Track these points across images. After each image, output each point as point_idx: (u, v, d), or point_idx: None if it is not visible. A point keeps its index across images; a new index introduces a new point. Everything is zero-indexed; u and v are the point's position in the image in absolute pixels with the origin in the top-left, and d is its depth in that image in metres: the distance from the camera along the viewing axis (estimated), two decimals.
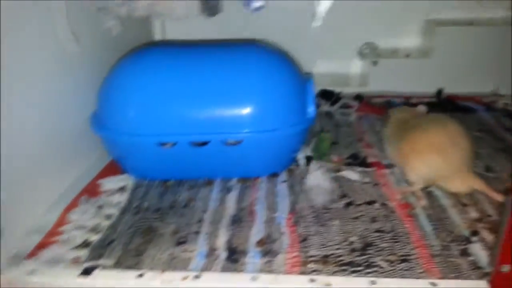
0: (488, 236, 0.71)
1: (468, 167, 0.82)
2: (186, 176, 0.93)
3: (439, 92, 1.34)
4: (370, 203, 0.82)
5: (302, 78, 0.94)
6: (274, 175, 0.94)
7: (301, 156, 0.98)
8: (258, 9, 0.61)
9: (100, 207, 0.85)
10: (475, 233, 0.72)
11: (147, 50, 0.92)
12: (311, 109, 0.93)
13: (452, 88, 1.32)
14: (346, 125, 1.19)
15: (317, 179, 0.89)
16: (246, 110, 0.85)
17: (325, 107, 1.30)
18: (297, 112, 0.90)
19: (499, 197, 0.79)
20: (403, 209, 0.80)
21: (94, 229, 0.78)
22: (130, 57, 0.91)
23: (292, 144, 0.94)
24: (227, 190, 0.89)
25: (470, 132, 0.88)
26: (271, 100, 0.87)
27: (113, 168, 0.97)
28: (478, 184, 0.82)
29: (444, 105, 1.27)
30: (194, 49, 0.93)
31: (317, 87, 1.34)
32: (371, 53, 1.34)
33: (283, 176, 0.94)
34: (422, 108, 0.99)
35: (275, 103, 0.87)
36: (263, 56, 0.90)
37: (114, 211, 0.83)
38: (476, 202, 0.81)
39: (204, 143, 0.86)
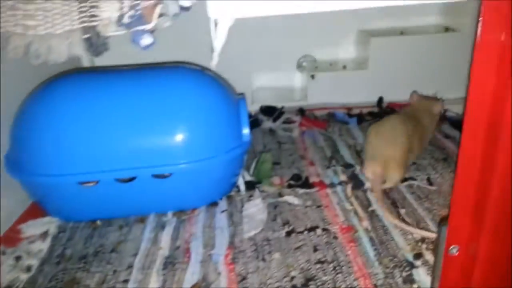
0: (432, 259, 0.69)
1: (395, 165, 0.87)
2: (116, 215, 0.85)
3: (380, 101, 1.33)
4: (312, 229, 0.78)
5: (234, 99, 0.89)
6: (213, 204, 0.88)
7: (241, 181, 0.93)
8: (147, 47, 0.56)
9: (18, 258, 0.76)
10: (418, 256, 0.70)
11: (62, 79, 0.84)
12: (245, 131, 0.88)
13: (392, 96, 1.32)
14: (289, 142, 1.15)
15: (257, 207, 0.85)
16: (174, 140, 0.79)
17: (268, 123, 1.26)
18: (231, 137, 0.85)
19: (390, 218, 0.79)
20: (346, 233, 0.77)
21: (11, 286, 0.69)
22: (43, 88, 0.82)
23: (230, 170, 0.88)
24: (161, 226, 0.82)
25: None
26: (202, 127, 0.81)
27: (35, 211, 0.88)
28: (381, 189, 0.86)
29: (385, 114, 1.27)
30: (115, 75, 0.85)
31: (258, 104, 1.31)
32: (309, 65, 1.32)
33: (223, 204, 0.88)
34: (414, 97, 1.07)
35: (206, 130, 0.81)
36: (189, 80, 0.84)
37: (34, 262, 0.75)
38: (418, 221, 0.78)
39: (131, 179, 0.79)
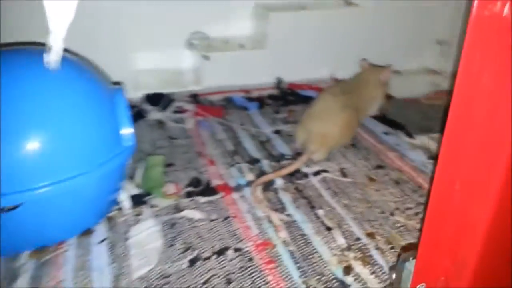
0: (362, 271, 0.59)
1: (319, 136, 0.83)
2: None
3: (279, 82, 1.22)
4: (221, 252, 0.63)
5: (107, 91, 0.68)
6: (86, 232, 0.67)
7: (125, 196, 0.73)
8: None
9: None
10: (348, 270, 0.59)
11: None
12: (127, 132, 0.68)
13: (291, 76, 1.22)
14: (183, 136, 0.97)
15: (149, 230, 0.66)
16: (21, 156, 0.56)
17: (155, 114, 1.06)
18: (105, 143, 0.65)
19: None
20: (262, 250, 0.63)
21: None
22: None
23: (106, 187, 0.68)
24: (11, 277, 0.59)
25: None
26: (60, 135, 0.59)
27: None
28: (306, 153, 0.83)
29: (286, 96, 1.16)
30: None
31: (143, 91, 1.10)
32: (201, 44, 1.14)
33: (101, 231, 0.67)
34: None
35: (67, 139, 0.60)
36: (39, 68, 0.60)
37: None
38: (340, 223, 0.68)
39: None
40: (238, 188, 0.78)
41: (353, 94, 0.90)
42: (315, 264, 0.60)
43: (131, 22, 1.09)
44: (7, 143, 0.56)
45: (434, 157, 0.84)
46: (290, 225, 0.68)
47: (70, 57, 0.67)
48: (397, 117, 1.03)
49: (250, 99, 1.14)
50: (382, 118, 1.03)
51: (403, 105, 1.10)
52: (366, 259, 0.61)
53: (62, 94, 0.61)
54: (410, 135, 0.94)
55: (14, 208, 0.57)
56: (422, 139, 0.91)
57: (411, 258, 0.38)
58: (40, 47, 0.60)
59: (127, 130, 0.68)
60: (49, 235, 0.64)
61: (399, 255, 0.58)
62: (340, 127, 0.84)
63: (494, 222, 0.31)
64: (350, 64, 1.27)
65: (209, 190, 0.77)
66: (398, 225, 0.67)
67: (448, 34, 1.28)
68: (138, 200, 0.73)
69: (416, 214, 0.69)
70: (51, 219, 0.62)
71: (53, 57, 0.32)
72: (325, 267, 0.60)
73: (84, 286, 0.57)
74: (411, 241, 0.63)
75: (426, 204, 0.33)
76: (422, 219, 0.36)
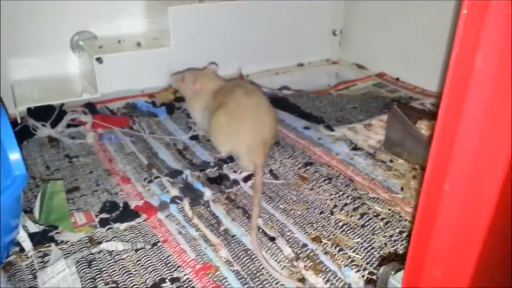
0: (316, 280, 0.55)
1: (262, 142, 0.75)
2: None
3: None
4: (156, 286, 0.54)
5: None
6: None
7: (23, 235, 0.59)
8: None
9: None
10: (302, 282, 0.54)
11: None
12: (14, 158, 0.55)
13: None
14: (84, 153, 0.83)
15: (61, 274, 0.54)
16: None
17: (45, 130, 0.89)
18: None
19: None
20: (204, 275, 0.55)
21: None
22: None
23: (1, 227, 0.53)
24: None
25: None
26: None
27: None
28: (259, 166, 0.73)
29: None
30: None
31: (23, 105, 0.92)
32: (88, 44, 1.00)
33: None
34: (213, 67, 0.93)
35: None
36: None
37: None
38: (282, 231, 0.63)
39: None
40: (162, 206, 0.68)
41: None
42: (265, 282, 0.55)
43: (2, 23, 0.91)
44: None
45: (357, 149, 0.85)
46: (230, 241, 0.61)
47: None
48: (312, 110, 1.03)
49: (156, 105, 1.03)
50: (299, 112, 1.01)
51: (315, 98, 1.10)
52: (318, 267, 0.57)
53: None
54: (329, 127, 0.93)
55: None
56: (342, 131, 0.91)
57: (393, 272, 0.35)
58: None
59: (14, 156, 0.55)
60: None
61: (379, 266, 0.55)
62: (275, 123, 0.80)
63: (492, 227, 0.28)
64: (256, 61, 1.25)
65: (128, 214, 0.66)
66: (341, 223, 0.64)
67: (342, 25, 1.32)
68: (41, 238, 0.60)
69: (355, 209, 0.67)
70: None
71: None
72: (276, 283, 0.54)
73: None
74: (386, 251, 0.61)
75: (415, 209, 0.29)
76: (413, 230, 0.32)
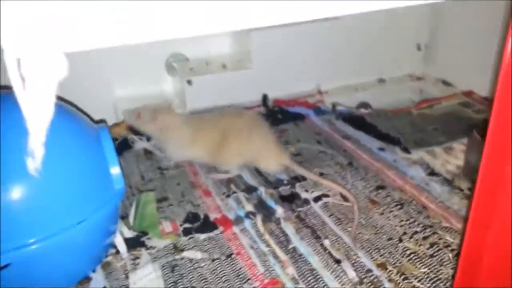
0: None
1: (274, 147, 0.85)
2: None
3: (265, 99, 1.19)
4: None
5: (92, 132, 0.64)
6: (83, 281, 0.63)
7: (119, 240, 0.69)
8: None
9: None
10: None
11: None
12: (115, 171, 0.64)
13: (276, 92, 1.20)
14: (173, 166, 0.93)
15: (148, 276, 0.62)
16: (10, 212, 0.52)
17: (141, 143, 1.01)
18: (97, 188, 0.61)
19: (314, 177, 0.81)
20: None
21: None
22: None
23: (101, 233, 0.64)
24: None
25: (310, 146, 0.95)
26: (50, 186, 0.55)
27: None
28: (287, 161, 0.85)
29: (274, 114, 1.13)
30: None
31: (125, 122, 1.05)
32: (181, 66, 1.10)
33: (98, 279, 0.63)
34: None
35: (57, 189, 0.55)
36: (9, 112, 0.56)
37: None
38: (348, 254, 0.66)
39: None
40: (238, 220, 0.74)
41: None
42: None
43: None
44: None
45: (434, 174, 0.83)
46: (297, 259, 0.65)
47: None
48: (390, 131, 1.02)
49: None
50: (375, 132, 1.02)
51: (393, 117, 1.09)
52: None
53: (48, 141, 0.56)
54: (406, 150, 0.92)
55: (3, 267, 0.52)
56: (419, 154, 0.90)
57: None
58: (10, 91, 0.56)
59: (115, 169, 0.64)
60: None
61: None
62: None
63: None
64: (335, 76, 1.27)
65: (207, 225, 0.73)
66: (408, 252, 0.65)
67: (427, 38, 1.28)
68: (134, 242, 0.69)
69: (425, 238, 0.67)
70: (43, 274, 0.57)
71: (35, 164, 0.28)
72: None
73: None
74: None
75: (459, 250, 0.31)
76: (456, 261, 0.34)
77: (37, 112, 0.25)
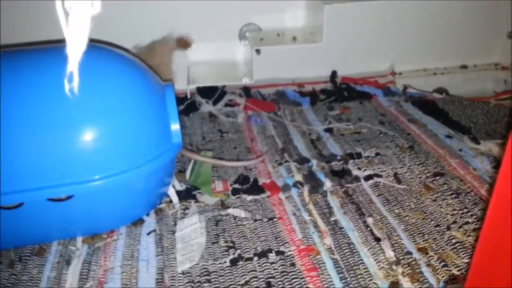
0: (410, 287, 0.56)
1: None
2: (5, 245, 0.64)
3: (333, 75, 1.17)
4: (263, 254, 0.62)
5: (157, 87, 0.69)
6: (137, 222, 0.69)
7: (172, 191, 0.74)
8: None
9: None
10: (395, 285, 0.56)
11: None
12: (175, 128, 0.69)
13: (346, 70, 1.17)
14: (233, 130, 0.97)
15: (194, 226, 0.67)
16: (73, 149, 0.58)
17: (207, 106, 1.06)
18: (155, 139, 0.66)
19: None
20: (305, 256, 0.62)
21: None
22: None
23: (156, 182, 0.69)
24: (66, 260, 0.62)
25: (372, 126, 0.90)
26: (113, 129, 0.61)
27: None
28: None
29: (340, 92, 1.12)
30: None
31: (196, 84, 1.10)
32: (253, 36, 1.12)
33: (150, 222, 0.69)
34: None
35: (119, 133, 0.61)
36: (91, 63, 0.62)
37: None
38: (390, 234, 0.65)
39: (18, 205, 0.58)
40: (285, 188, 0.76)
41: None
42: (359, 276, 0.58)
43: (184, 13, 1.09)
44: (63, 136, 0.58)
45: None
46: (336, 232, 0.66)
47: (122, 54, 0.68)
48: (462, 119, 0.96)
49: (303, 94, 1.11)
50: (445, 118, 0.96)
51: (468, 105, 1.02)
52: (416, 276, 0.57)
53: (116, 90, 0.62)
54: (475, 140, 0.87)
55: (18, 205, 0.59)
56: (488, 145, 0.84)
57: None
58: (92, 44, 0.62)
59: (175, 126, 0.69)
60: (101, 224, 0.67)
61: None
62: None
63: None
64: (412, 58, 1.21)
65: (256, 189, 0.76)
66: (454, 241, 0.62)
67: None
68: (186, 194, 0.74)
69: (475, 230, 0.64)
70: (102, 209, 0.64)
71: (71, 86, 0.31)
72: (370, 280, 0.57)
73: (130, 276, 0.59)
74: (454, 272, 0.59)
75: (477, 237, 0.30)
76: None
77: (74, 40, 0.28)
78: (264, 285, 0.57)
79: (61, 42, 0.73)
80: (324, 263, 0.60)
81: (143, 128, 0.64)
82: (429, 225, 0.66)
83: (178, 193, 0.74)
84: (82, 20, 0.28)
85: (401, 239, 0.64)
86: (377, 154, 0.84)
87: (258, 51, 1.07)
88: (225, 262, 0.61)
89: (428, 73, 1.21)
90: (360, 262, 0.60)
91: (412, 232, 0.65)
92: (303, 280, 0.58)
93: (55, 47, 0.68)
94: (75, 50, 0.29)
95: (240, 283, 0.57)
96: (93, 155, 0.60)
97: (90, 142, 0.59)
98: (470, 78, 1.21)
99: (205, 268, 0.60)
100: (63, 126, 0.58)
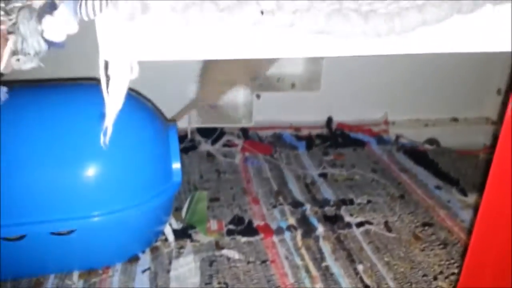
0: None
1: None
2: (3, 276, 0.65)
3: (329, 121, 1.22)
4: None
5: (162, 127, 0.72)
6: (133, 259, 0.71)
7: (169, 229, 0.76)
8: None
9: None
10: None
11: None
12: (176, 166, 0.71)
13: (342, 116, 1.22)
14: (230, 170, 1.00)
15: (189, 266, 0.69)
16: (77, 185, 0.61)
17: (206, 146, 1.09)
18: (157, 178, 0.68)
19: None
20: None
21: None
22: None
23: (154, 219, 0.71)
24: None
25: (364, 173, 0.94)
26: (117, 167, 0.63)
27: None
28: None
29: (335, 137, 1.16)
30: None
31: (196, 124, 1.14)
32: (254, 80, 1.17)
33: (145, 260, 0.71)
34: None
35: (123, 171, 0.64)
36: (99, 102, 0.65)
37: None
38: (379, 282, 0.67)
39: (20, 237, 0.60)
40: (278, 231, 0.78)
41: None
42: None
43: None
44: (66, 172, 0.60)
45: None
46: (327, 278, 0.67)
47: (129, 93, 0.72)
48: (451, 171, 1.00)
49: (299, 138, 1.15)
50: (435, 169, 1.00)
51: (459, 158, 1.06)
52: None
53: (121, 128, 0.65)
54: (463, 192, 0.90)
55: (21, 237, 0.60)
56: (476, 198, 0.87)
57: None
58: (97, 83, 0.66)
59: (176, 165, 0.72)
60: (98, 259, 0.68)
61: None
62: None
63: None
64: (405, 109, 1.26)
65: (250, 230, 0.78)
66: None
67: (509, 84, 1.23)
68: (182, 233, 0.76)
69: None
70: (100, 245, 0.66)
71: (105, 139, 0.35)
72: None
73: None
74: None
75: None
76: None
77: (113, 101, 0.32)
78: None
79: (69, 80, 0.77)
80: None
81: (144, 167, 0.66)
82: (417, 275, 0.68)
83: (174, 231, 0.76)
84: (121, 84, 0.31)
85: None
86: (369, 201, 0.87)
87: (258, 96, 1.12)
88: None
89: (420, 124, 1.26)
90: None
91: (401, 281, 0.67)
92: None
93: (62, 85, 0.72)
94: (112, 109, 0.33)
95: None
96: (95, 191, 0.62)
97: (92, 179, 0.61)
98: (460, 131, 1.25)
99: None
100: (68, 162, 0.61)
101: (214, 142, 1.10)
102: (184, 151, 1.07)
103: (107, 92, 0.32)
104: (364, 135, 1.17)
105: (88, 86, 0.72)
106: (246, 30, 0.31)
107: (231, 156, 1.06)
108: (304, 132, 1.18)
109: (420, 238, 0.76)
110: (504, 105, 1.25)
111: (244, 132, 1.15)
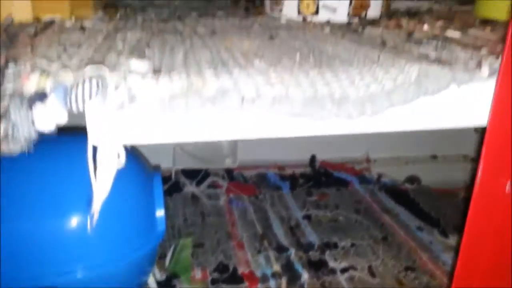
0: None
1: None
2: None
3: (312, 160, 1.24)
4: None
5: (146, 177, 0.72)
6: None
7: (152, 280, 0.75)
8: None
9: None
10: None
11: None
12: (160, 214, 0.71)
13: (325, 153, 1.24)
14: (214, 213, 0.99)
15: None
16: (61, 240, 0.60)
17: (190, 187, 1.09)
18: (141, 229, 0.68)
19: None
20: None
21: None
22: None
23: (139, 270, 0.70)
24: None
25: (348, 214, 0.92)
26: (100, 222, 0.63)
27: None
28: None
29: (319, 176, 1.17)
30: None
31: (179, 165, 1.14)
32: None
33: None
34: None
35: (103, 224, 0.63)
36: (75, 150, 0.66)
37: None
38: None
39: None
40: (264, 279, 0.78)
41: None
42: None
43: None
44: (46, 225, 0.60)
45: None
46: None
47: None
48: (432, 210, 1.02)
49: (283, 177, 1.16)
50: (416, 210, 1.01)
51: (438, 197, 1.09)
52: None
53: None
54: (444, 233, 0.91)
55: None
56: (457, 239, 0.89)
57: None
58: (78, 133, 0.66)
59: (160, 213, 0.71)
60: None
61: None
62: None
63: None
64: (386, 146, 1.29)
65: (235, 278, 0.78)
66: None
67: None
68: (166, 284, 0.75)
69: None
70: None
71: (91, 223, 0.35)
72: None
73: None
74: None
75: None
76: None
77: (100, 187, 0.32)
78: None
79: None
80: None
81: (128, 219, 0.66)
82: None
83: (158, 283, 0.75)
84: (109, 170, 0.32)
85: None
86: (352, 244, 0.88)
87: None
88: None
89: (401, 161, 1.28)
90: None
91: None
92: None
93: (42, 136, 0.72)
94: (100, 196, 0.33)
95: None
96: (76, 246, 0.61)
97: (73, 234, 0.61)
98: (440, 168, 1.28)
99: None
100: (48, 215, 0.60)
101: (198, 183, 1.10)
102: (168, 193, 1.07)
103: (95, 178, 0.32)
104: (347, 174, 1.19)
105: (68, 137, 0.72)
106: (229, 115, 0.33)
107: (215, 198, 1.06)
108: (288, 171, 1.20)
109: (403, 283, 0.77)
110: (481, 143, 1.29)
111: (229, 172, 1.16)
